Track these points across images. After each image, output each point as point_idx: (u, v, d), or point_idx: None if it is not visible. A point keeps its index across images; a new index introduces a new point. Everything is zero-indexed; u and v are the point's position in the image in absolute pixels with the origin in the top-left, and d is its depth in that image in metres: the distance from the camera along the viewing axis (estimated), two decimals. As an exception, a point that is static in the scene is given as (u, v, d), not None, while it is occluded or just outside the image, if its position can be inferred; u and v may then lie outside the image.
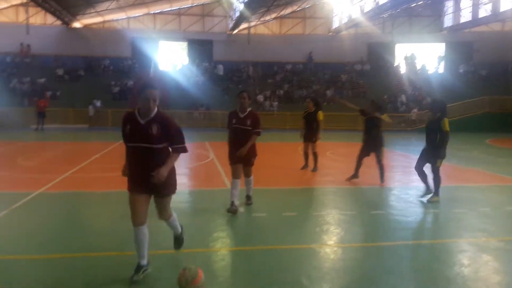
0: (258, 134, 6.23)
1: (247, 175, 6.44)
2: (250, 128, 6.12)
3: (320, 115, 10.11)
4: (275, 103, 29.32)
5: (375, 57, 34.27)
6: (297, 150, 13.58)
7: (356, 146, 9.49)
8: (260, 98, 29.56)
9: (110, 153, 13.48)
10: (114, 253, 4.64)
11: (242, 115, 6.16)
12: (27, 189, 7.53)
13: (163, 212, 4.15)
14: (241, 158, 6.10)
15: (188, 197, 7.74)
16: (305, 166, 10.42)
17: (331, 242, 5.25)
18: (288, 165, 11.48)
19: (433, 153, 7.03)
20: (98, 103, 27.80)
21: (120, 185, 8.30)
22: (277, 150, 15.81)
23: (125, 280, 3.86)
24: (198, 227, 5.55)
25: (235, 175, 6.20)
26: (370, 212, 6.62)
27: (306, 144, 10.32)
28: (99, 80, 30.37)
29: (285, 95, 30.67)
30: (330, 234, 5.58)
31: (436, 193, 7.14)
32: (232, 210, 6.07)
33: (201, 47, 34.40)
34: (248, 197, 6.73)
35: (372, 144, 8.63)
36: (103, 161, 11.73)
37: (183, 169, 10.22)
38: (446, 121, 6.88)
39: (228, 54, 33.74)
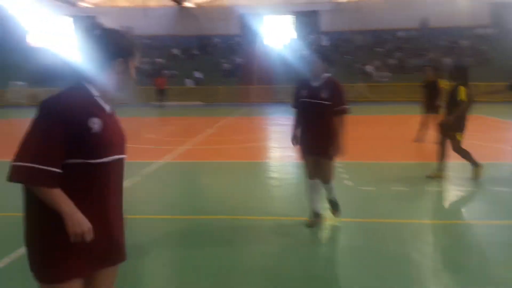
0: (347, 111, 4.34)
1: (325, 176, 4.42)
2: (326, 103, 4.23)
3: (442, 83, 9.40)
4: (386, 74, 28.02)
5: (500, 20, 30.61)
6: (410, 123, 12.96)
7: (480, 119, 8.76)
8: (369, 68, 28.49)
9: (221, 127, 14.33)
10: (231, 216, 5.02)
11: (316, 84, 4.31)
12: (154, 159, 8.38)
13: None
14: (315, 147, 4.35)
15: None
16: (420, 139, 9.83)
17: (445, 218, 5.04)
18: (400, 139, 11.06)
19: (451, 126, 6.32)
20: (198, 74, 29.29)
21: (232, 156, 8.95)
22: (388, 123, 15.24)
23: (235, 240, 4.19)
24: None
25: (308, 174, 4.51)
26: (492, 189, 6.15)
27: (427, 116, 9.73)
28: (211, 58, 31.88)
29: (397, 64, 29.10)
30: (446, 210, 5.35)
31: (475, 165, 6.42)
32: (312, 223, 4.45)
33: (307, 19, 34.02)
34: (335, 203, 4.69)
35: None
36: (216, 134, 12.49)
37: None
38: (462, 89, 6.21)
39: (335, 25, 32.90)
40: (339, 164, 7.63)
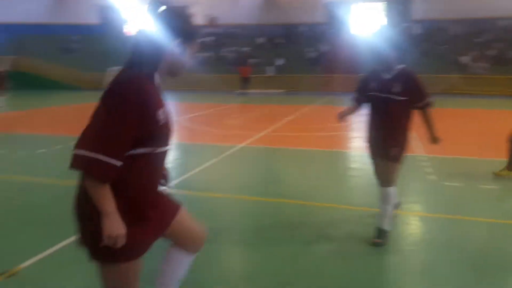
0: (431, 105, 3.74)
1: (384, 180, 3.78)
2: (397, 97, 3.61)
3: None
4: (484, 65, 25.84)
5: None
6: (508, 119, 11.87)
7: None
8: (466, 59, 26.47)
9: (301, 115, 14.25)
10: (300, 201, 4.98)
11: (388, 76, 3.70)
12: (232, 143, 8.60)
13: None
14: (380, 148, 3.78)
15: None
16: None
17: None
18: (494, 134, 10.16)
19: None
20: (279, 62, 29.21)
21: (309, 144, 8.86)
22: (483, 117, 14.06)
23: (304, 224, 4.15)
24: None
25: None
26: None
27: None
28: (296, 47, 31.77)
29: (496, 56, 26.68)
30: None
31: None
32: (376, 242, 3.75)
33: (399, 6, 32.39)
34: (380, 232, 3.80)
35: None
36: (295, 122, 12.45)
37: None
38: None
39: (429, 12, 30.96)
40: (423, 157, 7.25)
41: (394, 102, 3.59)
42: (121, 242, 1.72)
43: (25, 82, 26.91)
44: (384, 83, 3.66)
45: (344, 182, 6.12)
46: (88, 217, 1.76)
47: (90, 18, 34.99)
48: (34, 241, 3.76)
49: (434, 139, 3.89)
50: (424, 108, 3.71)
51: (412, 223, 4.49)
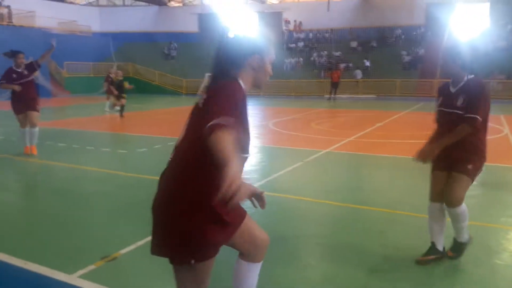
0: (472, 123, 3.19)
1: (448, 198, 3.36)
2: (462, 112, 3.25)
3: None
4: None
5: None
6: None
7: None
8: None
9: (392, 122, 13.75)
10: (386, 209, 4.88)
11: (453, 90, 3.40)
12: (317, 148, 8.62)
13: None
14: (443, 159, 3.38)
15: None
16: None
17: None
18: None
19: None
20: (367, 63, 28.55)
21: (396, 151, 8.56)
22: None
23: (386, 232, 4.06)
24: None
25: (431, 194, 3.58)
26: None
27: None
28: (390, 50, 30.68)
29: None
30: None
31: None
32: (422, 261, 3.46)
33: (506, 7, 29.73)
34: (458, 245, 3.54)
35: None
36: (385, 128, 12.07)
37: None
38: None
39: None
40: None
41: (459, 117, 3.23)
42: (239, 197, 1.57)
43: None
44: (450, 97, 3.36)
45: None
46: (178, 217, 1.86)
47: (190, 27, 37.08)
48: (133, 231, 4.16)
49: (428, 152, 3.40)
50: (465, 122, 3.20)
51: (501, 238, 4.18)
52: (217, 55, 2.06)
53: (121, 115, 14.55)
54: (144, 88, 30.29)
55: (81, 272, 3.26)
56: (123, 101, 14.67)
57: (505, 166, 7.08)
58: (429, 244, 3.54)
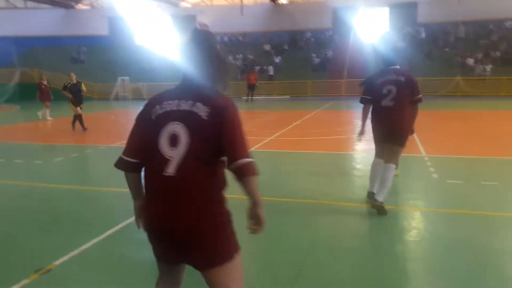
0: (420, 101, 4.72)
1: (389, 159, 4.69)
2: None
3: None
4: (488, 67, 25.98)
5: None
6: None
7: None
8: (470, 61, 26.64)
9: (307, 120, 14.55)
10: (307, 200, 5.24)
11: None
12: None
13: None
14: (389, 135, 4.71)
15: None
16: None
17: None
18: (497, 134, 10.38)
19: None
20: (277, 59, 29.74)
21: (316, 148, 9.15)
22: (487, 118, 14.26)
23: (314, 220, 4.42)
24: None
25: (376, 154, 4.95)
26: None
27: None
28: (301, 53, 32.11)
29: (502, 57, 26.81)
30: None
31: None
32: (374, 205, 4.62)
33: (404, 11, 32.65)
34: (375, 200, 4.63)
35: None
36: (302, 127, 12.73)
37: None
38: None
39: (433, 16, 31.19)
40: (426, 158, 7.51)
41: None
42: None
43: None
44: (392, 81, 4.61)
45: (351, 182, 6.39)
46: (222, 225, 2.01)
47: (100, 30, 35.64)
48: (64, 242, 4.06)
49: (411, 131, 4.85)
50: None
51: (415, 217, 4.74)
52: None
53: (84, 128, 12.26)
54: (52, 94, 28.50)
55: (15, 287, 3.16)
56: (80, 109, 12.37)
57: (410, 156, 7.95)
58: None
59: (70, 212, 5.05)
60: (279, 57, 31.22)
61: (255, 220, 1.99)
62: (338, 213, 4.85)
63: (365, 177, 6.50)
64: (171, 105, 1.98)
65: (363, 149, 8.48)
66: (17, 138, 12.12)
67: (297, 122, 13.69)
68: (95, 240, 4.04)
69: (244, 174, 1.91)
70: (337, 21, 33.49)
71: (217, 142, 1.92)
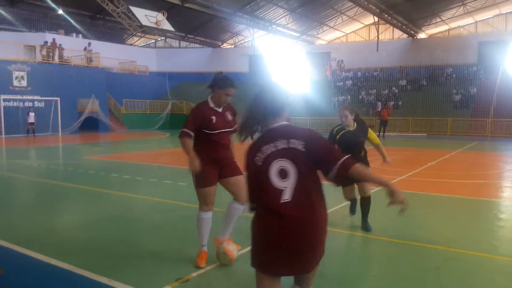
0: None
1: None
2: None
3: None
4: None
5: None
6: None
7: None
8: None
9: (445, 161, 13.59)
10: (439, 247, 4.97)
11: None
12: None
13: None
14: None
15: None
16: None
17: None
18: None
19: None
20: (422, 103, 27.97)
21: (450, 191, 8.53)
22: None
23: (442, 268, 4.18)
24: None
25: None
26: None
27: None
28: (440, 89, 30.36)
29: None
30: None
31: None
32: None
33: None
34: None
35: None
36: (437, 168, 11.97)
37: None
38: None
39: None
40: None
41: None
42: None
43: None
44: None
45: (492, 232, 5.85)
46: (322, 239, 2.42)
47: (240, 67, 38.57)
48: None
49: None
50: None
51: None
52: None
53: None
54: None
55: (160, 290, 3.66)
56: None
57: None
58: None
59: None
60: (416, 92, 29.91)
61: (394, 198, 2.32)
62: (470, 263, 4.51)
63: (509, 228, 5.91)
64: (269, 148, 2.38)
65: (509, 197, 7.68)
66: (167, 161, 13.71)
67: (433, 162, 12.92)
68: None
69: (349, 166, 2.30)
70: (483, 56, 31.02)
71: (315, 164, 2.36)
